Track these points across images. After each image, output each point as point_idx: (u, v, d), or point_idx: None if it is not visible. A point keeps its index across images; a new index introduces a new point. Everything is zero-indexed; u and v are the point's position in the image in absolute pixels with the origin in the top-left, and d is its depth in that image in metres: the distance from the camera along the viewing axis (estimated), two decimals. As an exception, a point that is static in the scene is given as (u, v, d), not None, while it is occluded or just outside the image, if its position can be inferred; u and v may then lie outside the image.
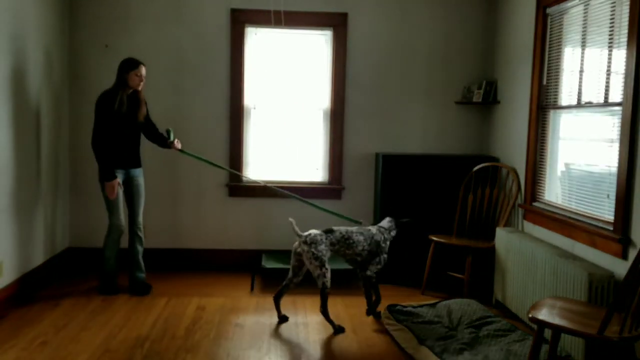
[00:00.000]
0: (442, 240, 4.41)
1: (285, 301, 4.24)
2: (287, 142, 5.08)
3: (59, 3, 4.64)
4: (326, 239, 3.74)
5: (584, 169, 3.72)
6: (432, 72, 5.03)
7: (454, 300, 4.02)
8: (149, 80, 4.33)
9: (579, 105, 3.74)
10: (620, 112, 3.19)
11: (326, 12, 4.92)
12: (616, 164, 3.20)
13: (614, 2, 3.33)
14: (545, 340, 2.95)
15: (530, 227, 4.18)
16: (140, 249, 4.35)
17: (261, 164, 5.09)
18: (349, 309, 4.09)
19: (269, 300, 4.24)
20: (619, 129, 3.20)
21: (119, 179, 4.15)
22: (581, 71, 3.74)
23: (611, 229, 3.22)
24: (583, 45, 3.73)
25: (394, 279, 4.76)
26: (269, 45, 5.01)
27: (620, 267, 3.09)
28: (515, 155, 4.51)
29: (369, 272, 3.90)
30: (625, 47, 3.14)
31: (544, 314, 2.70)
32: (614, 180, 3.23)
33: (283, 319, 3.86)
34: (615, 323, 2.57)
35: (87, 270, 4.74)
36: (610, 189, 3.29)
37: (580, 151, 3.79)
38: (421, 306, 3.98)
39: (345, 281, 4.61)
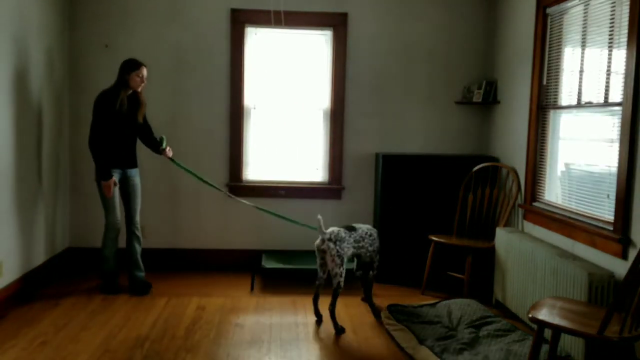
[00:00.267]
0: (442, 240, 4.41)
1: (286, 301, 4.24)
2: (287, 142, 5.08)
3: (59, 2, 4.64)
4: (350, 236, 3.80)
5: (584, 169, 3.72)
6: (432, 72, 5.03)
7: (454, 300, 4.02)
8: (149, 80, 4.33)
9: (579, 105, 3.74)
10: (620, 112, 3.19)
11: (326, 12, 4.92)
12: (616, 164, 3.20)
13: (614, 2, 3.33)
14: (545, 340, 2.95)
15: (530, 227, 4.18)
16: (138, 248, 4.36)
17: (261, 164, 5.09)
18: (349, 309, 4.09)
19: (269, 300, 4.25)
20: (619, 129, 3.20)
21: (116, 178, 4.16)
22: (581, 71, 3.74)
23: (611, 229, 3.22)
24: (583, 45, 3.73)
25: (394, 279, 4.76)
26: (269, 45, 5.01)
27: (620, 267, 3.09)
28: (515, 155, 4.51)
29: (373, 272, 4.02)
30: (625, 47, 3.14)
31: (544, 314, 2.70)
32: (614, 180, 3.23)
33: (320, 319, 3.85)
34: (615, 323, 2.57)
35: (87, 270, 4.74)
36: (610, 189, 3.29)
37: (580, 151, 3.79)
38: (421, 306, 3.98)
39: (345, 282, 4.59)
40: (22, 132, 4.05)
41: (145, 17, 4.85)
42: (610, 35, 3.37)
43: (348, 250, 3.76)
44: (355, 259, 4.06)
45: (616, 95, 3.30)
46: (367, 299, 4.06)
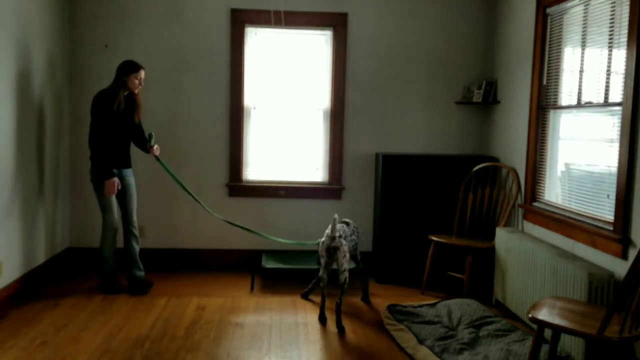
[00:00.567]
0: (442, 240, 4.41)
1: (286, 301, 4.24)
2: (287, 142, 5.08)
3: (59, 3, 4.64)
4: (349, 231, 3.98)
5: (584, 169, 3.72)
6: (432, 72, 5.03)
7: (454, 300, 4.02)
8: (149, 80, 4.34)
9: (579, 105, 3.74)
10: (620, 112, 3.19)
11: (326, 12, 4.92)
12: (616, 164, 3.20)
13: (614, 2, 3.33)
14: (545, 340, 2.95)
15: (530, 227, 4.18)
16: (137, 247, 4.37)
17: (261, 164, 5.09)
18: (349, 309, 4.09)
19: (269, 300, 4.25)
20: (619, 129, 3.20)
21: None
22: (581, 71, 3.74)
23: (611, 229, 3.22)
24: (583, 45, 3.73)
25: (394, 279, 4.76)
26: (269, 45, 5.01)
27: (620, 267, 3.09)
28: (515, 155, 4.51)
29: (360, 265, 4.22)
30: (625, 47, 3.14)
31: (544, 314, 2.70)
32: (614, 180, 3.23)
33: (325, 321, 3.84)
34: (615, 323, 2.57)
35: (87, 270, 4.74)
36: (610, 189, 3.29)
37: (580, 151, 3.79)
38: (421, 306, 3.98)
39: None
40: (23, 132, 4.05)
41: (145, 17, 4.85)
42: (610, 35, 3.37)
43: (350, 244, 3.90)
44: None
45: (616, 95, 3.30)
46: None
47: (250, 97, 5.02)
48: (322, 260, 3.84)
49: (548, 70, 4.09)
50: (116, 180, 4.13)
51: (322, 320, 3.83)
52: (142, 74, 4.18)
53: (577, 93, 3.77)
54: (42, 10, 4.34)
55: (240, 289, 4.48)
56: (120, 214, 4.34)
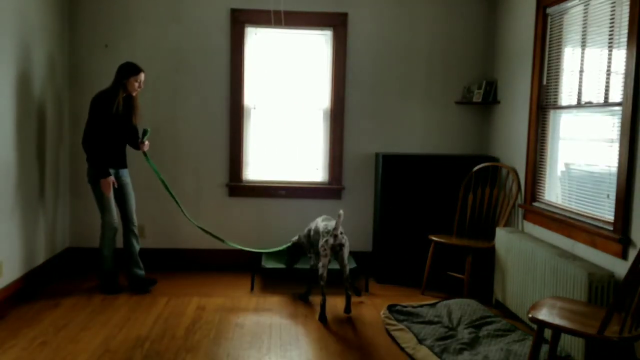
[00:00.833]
0: (442, 240, 4.41)
1: (286, 301, 4.24)
2: (287, 142, 5.08)
3: (59, 4, 4.64)
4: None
5: (584, 169, 3.72)
6: (432, 72, 5.03)
7: (454, 300, 4.02)
8: (149, 80, 4.34)
9: (579, 105, 3.74)
10: (620, 112, 3.19)
11: (326, 12, 4.92)
12: (616, 164, 3.20)
13: (614, 2, 3.33)
14: (545, 340, 2.95)
15: (530, 227, 4.18)
16: (137, 246, 4.39)
17: (261, 164, 5.09)
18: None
19: (269, 300, 4.26)
20: (619, 129, 3.19)
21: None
22: (581, 71, 3.74)
23: (611, 229, 3.22)
24: (583, 45, 3.73)
25: (394, 279, 4.76)
26: (269, 45, 5.01)
27: (620, 267, 3.09)
28: (515, 155, 4.50)
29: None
30: (625, 47, 3.14)
31: (544, 314, 2.70)
32: (614, 180, 3.23)
33: (326, 321, 3.86)
34: (615, 323, 2.57)
35: (87, 270, 4.73)
36: (610, 189, 3.29)
37: (580, 151, 3.79)
38: (421, 306, 3.98)
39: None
40: (23, 132, 4.05)
41: (146, 17, 4.85)
42: (610, 35, 3.37)
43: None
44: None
45: (616, 95, 3.30)
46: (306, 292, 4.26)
47: (250, 97, 5.02)
48: (323, 260, 3.85)
49: (548, 70, 4.09)
50: (111, 178, 4.14)
51: (323, 319, 3.83)
52: (142, 76, 4.19)
53: (577, 93, 3.77)
54: (42, 11, 4.35)
55: (240, 289, 4.48)
56: (120, 214, 4.35)
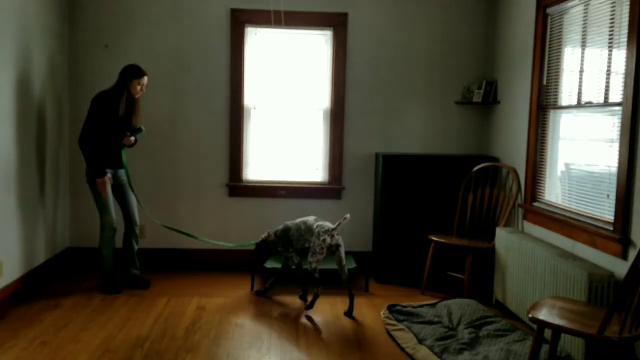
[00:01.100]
0: (442, 240, 4.41)
1: (286, 301, 4.24)
2: (287, 142, 5.08)
3: (59, 4, 4.64)
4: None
5: (584, 169, 3.72)
6: (432, 72, 5.03)
7: (454, 300, 4.03)
8: (149, 80, 4.32)
9: (579, 105, 3.74)
10: (620, 112, 3.19)
11: (326, 12, 4.92)
12: (616, 164, 3.20)
13: (614, 2, 3.33)
14: (545, 340, 2.95)
15: (530, 227, 4.18)
16: (136, 246, 4.42)
17: (261, 164, 5.09)
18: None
19: (269, 300, 4.25)
20: (619, 129, 3.19)
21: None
22: (581, 71, 3.74)
23: (611, 229, 3.22)
24: (583, 45, 3.73)
25: (394, 279, 4.76)
26: (269, 45, 5.01)
27: (620, 267, 3.09)
28: (515, 155, 4.50)
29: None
30: (625, 47, 3.14)
31: (544, 314, 2.70)
32: (614, 180, 3.23)
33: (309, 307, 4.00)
34: (615, 323, 2.57)
35: (87, 270, 4.73)
36: (610, 189, 3.29)
37: (580, 151, 3.79)
38: (421, 306, 3.98)
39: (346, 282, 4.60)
40: (24, 133, 4.05)
41: (146, 18, 4.85)
42: (610, 35, 3.37)
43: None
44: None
45: (616, 95, 3.30)
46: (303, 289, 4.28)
47: (250, 97, 5.02)
48: (317, 257, 3.92)
49: (548, 70, 4.09)
50: (108, 178, 4.15)
51: (309, 308, 3.96)
52: (145, 80, 4.19)
53: (577, 93, 3.77)
54: (43, 11, 4.34)
55: (240, 289, 4.48)
56: (122, 214, 4.36)
